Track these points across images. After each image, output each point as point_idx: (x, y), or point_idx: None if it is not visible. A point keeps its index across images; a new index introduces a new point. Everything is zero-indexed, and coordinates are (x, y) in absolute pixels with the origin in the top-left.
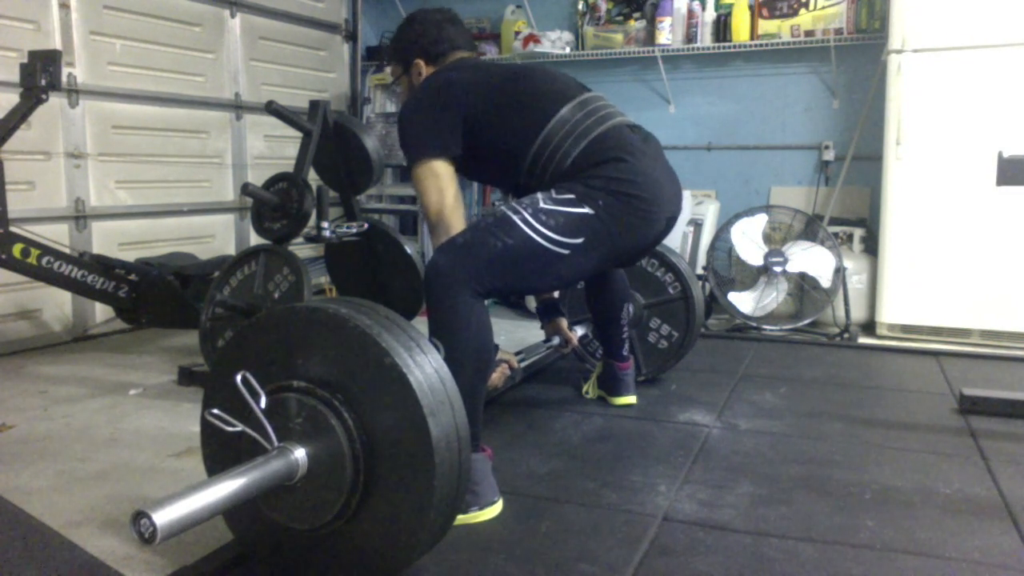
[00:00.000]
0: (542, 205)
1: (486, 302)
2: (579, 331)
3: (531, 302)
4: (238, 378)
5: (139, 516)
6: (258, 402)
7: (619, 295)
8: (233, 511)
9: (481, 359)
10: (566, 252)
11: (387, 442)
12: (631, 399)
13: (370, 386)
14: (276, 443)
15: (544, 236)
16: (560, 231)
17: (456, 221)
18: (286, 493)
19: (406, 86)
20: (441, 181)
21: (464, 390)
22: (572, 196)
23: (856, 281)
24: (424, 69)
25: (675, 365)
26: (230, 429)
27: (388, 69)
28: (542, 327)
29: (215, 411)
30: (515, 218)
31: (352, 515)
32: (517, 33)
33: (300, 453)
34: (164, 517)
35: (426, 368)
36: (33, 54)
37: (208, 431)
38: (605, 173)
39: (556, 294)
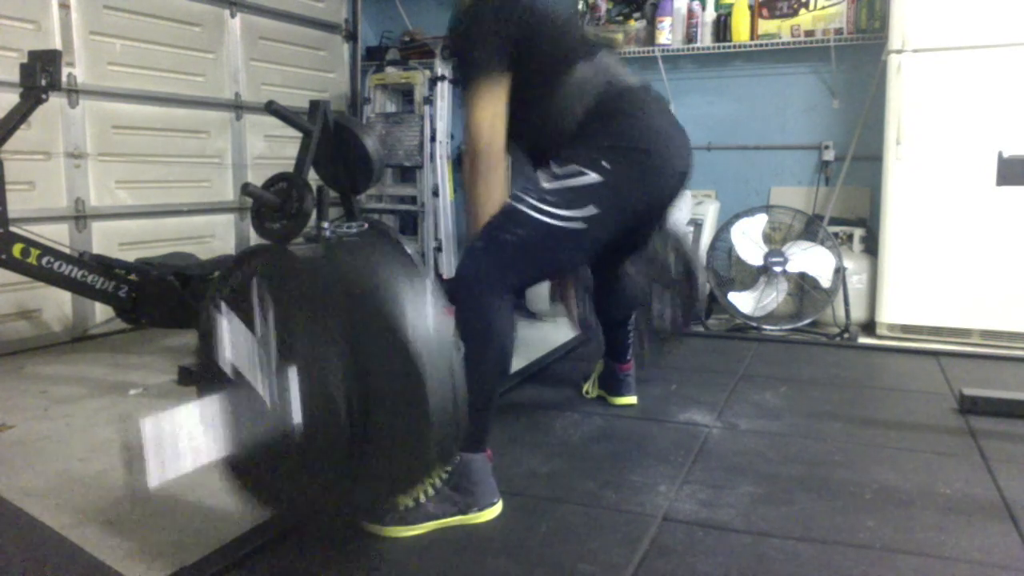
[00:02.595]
0: (545, 186)
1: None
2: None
3: (532, 303)
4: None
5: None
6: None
7: (629, 301)
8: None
9: (498, 364)
10: (583, 226)
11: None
12: (631, 399)
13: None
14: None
15: (557, 216)
16: (571, 206)
17: (501, 162)
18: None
19: None
20: (500, 107)
21: (477, 392)
22: (575, 166)
23: (856, 281)
24: None
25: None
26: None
27: None
28: None
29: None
30: (522, 207)
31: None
32: None
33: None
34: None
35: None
36: (33, 54)
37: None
38: (609, 129)
39: None
